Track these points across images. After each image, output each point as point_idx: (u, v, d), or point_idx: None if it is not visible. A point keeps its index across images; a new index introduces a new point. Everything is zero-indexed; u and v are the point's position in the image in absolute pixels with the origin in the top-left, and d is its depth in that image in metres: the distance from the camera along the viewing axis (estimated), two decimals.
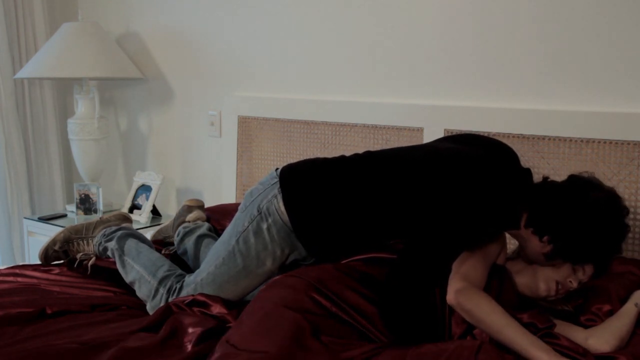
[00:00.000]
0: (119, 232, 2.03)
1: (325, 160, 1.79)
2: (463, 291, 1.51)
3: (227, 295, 1.76)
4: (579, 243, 1.60)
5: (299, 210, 1.70)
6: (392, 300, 1.57)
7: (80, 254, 2.07)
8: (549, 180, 1.75)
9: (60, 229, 2.13)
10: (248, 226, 1.74)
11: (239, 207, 1.83)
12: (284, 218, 1.70)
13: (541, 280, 1.67)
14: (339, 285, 1.59)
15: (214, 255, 1.80)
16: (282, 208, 1.70)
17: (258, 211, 1.73)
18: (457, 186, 1.62)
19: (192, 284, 1.80)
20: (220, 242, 1.82)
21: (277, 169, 1.80)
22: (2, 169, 3.19)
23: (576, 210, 1.60)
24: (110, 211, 3.19)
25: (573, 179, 1.70)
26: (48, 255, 2.09)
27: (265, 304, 1.52)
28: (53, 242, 2.09)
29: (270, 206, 1.71)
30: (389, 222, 1.69)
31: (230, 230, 1.80)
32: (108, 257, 2.03)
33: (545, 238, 1.63)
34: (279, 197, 1.70)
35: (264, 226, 1.72)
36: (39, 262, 2.16)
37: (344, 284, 1.60)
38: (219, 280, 1.76)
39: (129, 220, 2.22)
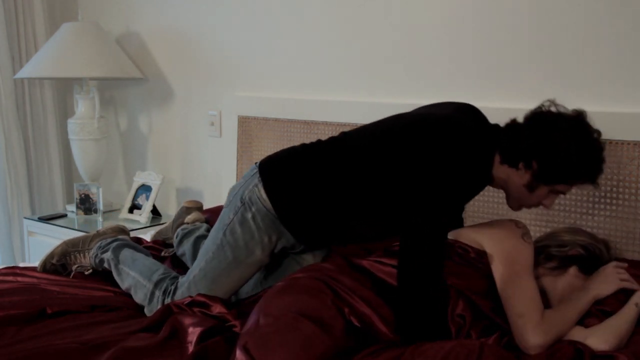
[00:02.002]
0: (115, 243, 2.05)
1: (302, 146, 1.82)
2: (537, 333, 1.48)
3: (222, 288, 1.77)
4: (553, 159, 1.58)
5: (279, 196, 1.72)
6: (408, 304, 1.55)
7: (76, 265, 2.08)
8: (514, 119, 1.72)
9: (58, 242, 2.15)
10: (233, 217, 1.76)
11: (225, 203, 1.85)
12: (267, 205, 1.72)
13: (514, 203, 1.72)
14: (355, 287, 1.57)
15: (204, 252, 1.82)
16: (264, 195, 1.72)
17: (241, 202, 1.76)
18: (430, 149, 1.61)
19: (186, 283, 1.81)
20: (209, 238, 1.84)
21: (256, 162, 1.83)
22: (2, 169, 3.19)
23: (544, 128, 1.60)
24: (111, 211, 3.21)
25: (536, 109, 1.69)
26: (46, 268, 2.10)
27: (285, 311, 1.47)
28: (51, 255, 2.10)
29: (252, 195, 1.74)
30: (369, 201, 1.68)
31: (217, 226, 1.82)
32: (105, 268, 2.04)
33: (520, 165, 1.62)
34: (260, 186, 1.73)
35: (249, 215, 1.74)
36: (38, 263, 2.16)
37: (360, 284, 1.58)
38: (210, 274, 1.78)
39: (126, 233, 2.23)
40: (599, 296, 1.61)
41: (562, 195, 1.73)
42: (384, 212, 1.69)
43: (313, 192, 1.72)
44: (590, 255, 1.69)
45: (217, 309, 1.67)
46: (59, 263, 2.10)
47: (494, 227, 1.72)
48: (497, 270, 1.61)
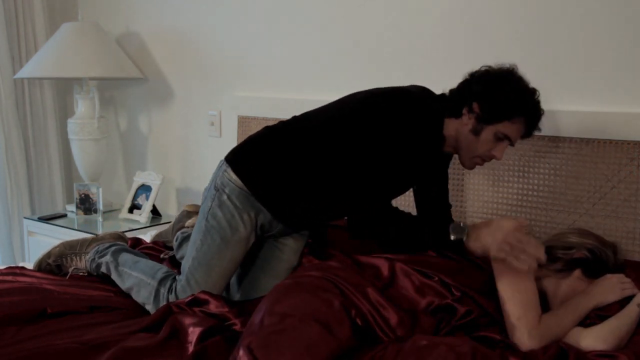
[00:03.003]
0: (113, 248, 2.06)
1: (264, 128, 1.95)
2: (532, 336, 1.48)
3: (218, 272, 1.82)
4: (491, 96, 1.72)
5: (247, 172, 1.84)
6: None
7: (72, 268, 2.08)
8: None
9: (56, 243, 2.15)
10: (211, 204, 1.86)
11: (201, 201, 1.96)
12: (238, 184, 1.83)
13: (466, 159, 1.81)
14: (360, 286, 1.56)
15: (192, 243, 1.88)
16: (234, 176, 1.84)
17: (215, 189, 1.87)
18: (380, 116, 1.75)
19: (183, 276, 1.85)
20: (194, 230, 1.91)
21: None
22: (2, 169, 3.19)
23: (480, 77, 1.76)
24: (111, 211, 3.21)
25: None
26: (42, 267, 2.11)
27: (291, 312, 1.45)
28: (48, 255, 2.11)
29: (223, 179, 1.86)
30: (330, 173, 1.78)
31: (200, 217, 1.91)
32: (101, 273, 2.04)
33: (464, 110, 1.75)
34: (229, 170, 1.85)
35: (224, 197, 1.84)
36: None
37: (365, 283, 1.58)
38: (204, 260, 1.83)
39: (124, 240, 2.24)
40: (599, 305, 1.60)
41: (510, 147, 1.81)
42: (344, 184, 1.78)
43: (278, 166, 1.83)
44: (596, 259, 1.67)
45: (218, 306, 1.67)
46: (54, 263, 2.10)
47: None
48: (498, 269, 1.60)
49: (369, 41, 2.50)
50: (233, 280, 1.96)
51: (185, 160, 3.17)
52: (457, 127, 1.78)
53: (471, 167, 1.85)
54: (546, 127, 2.07)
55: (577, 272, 1.66)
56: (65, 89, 3.52)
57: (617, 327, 1.51)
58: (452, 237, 1.65)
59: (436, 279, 1.61)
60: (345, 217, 1.89)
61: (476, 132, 1.75)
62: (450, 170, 2.13)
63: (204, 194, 1.94)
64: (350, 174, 1.75)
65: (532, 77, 2.15)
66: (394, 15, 2.42)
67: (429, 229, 1.72)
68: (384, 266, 1.64)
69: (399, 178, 1.81)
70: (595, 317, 1.58)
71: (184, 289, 1.82)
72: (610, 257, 1.68)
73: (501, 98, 1.71)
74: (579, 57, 2.07)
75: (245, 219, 1.83)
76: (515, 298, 1.54)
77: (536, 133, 1.95)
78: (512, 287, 1.56)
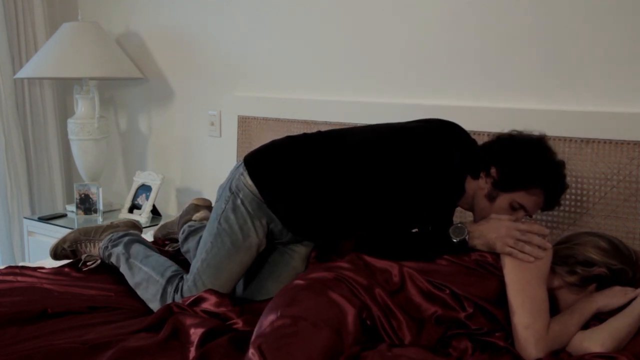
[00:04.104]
0: (126, 238, 2.06)
1: (286, 138, 1.94)
2: (539, 347, 1.48)
3: (226, 274, 1.82)
4: (509, 164, 1.68)
5: (263, 180, 1.83)
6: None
7: (85, 255, 2.09)
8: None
9: (71, 229, 2.19)
10: (225, 206, 1.85)
11: (215, 199, 1.95)
12: (253, 190, 1.82)
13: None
14: (370, 288, 1.55)
15: (203, 244, 1.88)
16: (250, 182, 1.83)
17: (230, 191, 1.86)
18: (399, 159, 1.74)
19: (191, 276, 1.84)
20: (206, 231, 1.91)
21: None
22: (2, 169, 3.19)
23: (505, 142, 1.73)
24: (111, 211, 3.21)
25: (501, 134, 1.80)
26: (57, 252, 2.15)
27: (304, 315, 1.44)
28: (63, 240, 2.14)
29: (239, 183, 1.85)
30: (345, 197, 1.78)
31: (212, 218, 1.90)
32: (111, 263, 2.05)
33: (481, 174, 1.72)
34: (245, 174, 1.84)
35: (238, 202, 1.84)
36: (38, 262, 2.16)
37: (375, 285, 1.57)
38: (213, 263, 1.82)
39: (138, 229, 2.25)
40: (603, 309, 1.59)
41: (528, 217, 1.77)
42: (356, 210, 1.78)
43: (295, 178, 1.82)
44: (615, 277, 1.63)
45: (220, 305, 1.67)
46: (69, 249, 2.14)
47: None
48: (509, 276, 1.59)
49: (369, 41, 2.50)
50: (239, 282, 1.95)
51: (185, 160, 3.16)
52: (474, 189, 1.75)
53: None
54: (547, 127, 2.08)
55: (591, 287, 1.63)
56: (65, 89, 3.52)
57: (617, 329, 1.51)
58: (454, 240, 1.66)
59: (447, 291, 1.58)
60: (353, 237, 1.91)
61: (491, 198, 1.71)
62: None
63: (219, 191, 1.93)
64: (362, 202, 1.75)
65: (533, 77, 2.16)
66: (394, 15, 2.42)
67: (430, 238, 1.73)
68: (394, 271, 1.62)
69: (411, 217, 1.76)
70: (596, 319, 1.58)
71: (190, 289, 1.81)
72: (629, 275, 1.64)
73: (520, 166, 1.67)
74: (579, 57, 2.06)
75: (257, 226, 1.83)
76: (525, 305, 1.53)
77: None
78: (523, 294, 1.55)
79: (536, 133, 1.75)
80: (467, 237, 1.66)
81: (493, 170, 1.70)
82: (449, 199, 1.77)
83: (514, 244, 1.60)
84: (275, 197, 1.82)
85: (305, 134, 1.93)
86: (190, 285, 1.82)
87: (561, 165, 1.72)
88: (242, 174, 1.85)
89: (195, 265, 1.85)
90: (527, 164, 1.67)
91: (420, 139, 1.78)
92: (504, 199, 1.70)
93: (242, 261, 1.83)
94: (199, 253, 1.87)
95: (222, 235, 1.83)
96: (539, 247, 1.59)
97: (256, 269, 1.93)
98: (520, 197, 1.68)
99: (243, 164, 1.87)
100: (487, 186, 1.72)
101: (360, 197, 1.76)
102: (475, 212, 1.78)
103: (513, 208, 1.70)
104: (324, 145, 1.86)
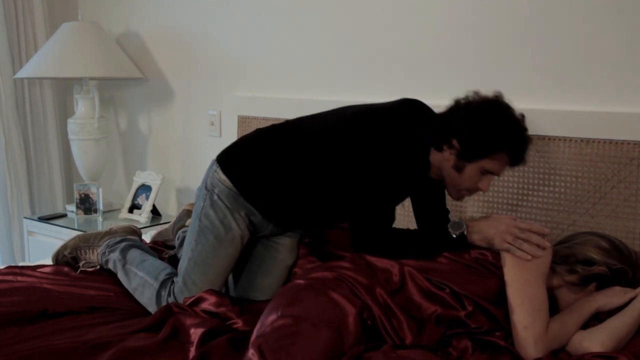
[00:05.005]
0: (123, 244, 2.07)
1: (255, 131, 1.97)
2: (538, 347, 1.48)
3: (214, 270, 1.83)
4: (469, 133, 1.66)
5: (235, 173, 1.85)
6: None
7: (84, 262, 2.10)
8: None
9: (58, 242, 2.19)
10: (203, 204, 1.88)
11: (194, 200, 1.98)
12: (227, 184, 1.85)
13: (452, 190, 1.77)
14: (371, 288, 1.55)
15: (187, 244, 1.89)
16: (223, 176, 1.86)
17: (206, 189, 1.89)
18: (368, 136, 1.74)
19: (180, 277, 1.85)
20: (189, 232, 1.93)
21: None
22: (2, 169, 3.19)
23: (460, 109, 1.71)
24: (111, 210, 3.21)
25: (456, 98, 1.78)
26: (58, 259, 2.15)
27: (304, 315, 1.44)
28: (64, 247, 2.15)
29: (213, 180, 1.88)
30: (316, 181, 1.80)
31: (193, 218, 1.92)
32: (109, 269, 2.06)
33: (444, 147, 1.70)
34: (218, 170, 1.87)
35: (215, 197, 1.86)
36: (38, 262, 2.16)
37: (376, 285, 1.57)
38: (200, 260, 1.83)
39: (137, 234, 2.25)
40: (601, 309, 1.59)
41: (496, 177, 1.78)
42: (329, 195, 1.81)
43: (266, 169, 1.84)
44: (615, 277, 1.63)
45: (220, 305, 1.67)
46: (70, 255, 2.14)
47: None
48: (509, 275, 1.59)
49: (370, 41, 2.49)
50: (230, 280, 1.97)
51: (185, 160, 3.16)
52: (440, 160, 1.74)
53: (458, 199, 1.82)
54: (546, 127, 2.08)
55: (591, 287, 1.63)
56: (65, 89, 3.52)
57: (617, 328, 1.51)
58: (453, 235, 1.68)
59: (447, 290, 1.58)
60: (337, 223, 1.94)
61: (458, 169, 1.71)
62: None
63: (197, 193, 1.95)
64: (334, 186, 1.78)
65: (532, 77, 2.16)
66: (394, 15, 2.42)
67: (430, 234, 1.75)
68: (395, 271, 1.62)
69: (382, 195, 1.77)
70: (595, 319, 1.58)
71: (181, 290, 1.82)
72: (629, 275, 1.63)
73: (480, 135, 1.65)
74: (579, 57, 2.06)
75: (237, 218, 1.84)
76: (524, 305, 1.53)
77: (538, 134, 1.95)
78: (523, 293, 1.55)
79: (490, 95, 1.72)
80: (465, 232, 1.67)
81: (454, 142, 1.68)
82: (415, 174, 1.76)
83: (512, 241, 1.61)
84: (249, 188, 1.84)
85: (273, 125, 1.95)
86: (181, 286, 1.82)
87: (519, 122, 1.71)
88: (215, 171, 1.88)
89: (182, 265, 1.87)
90: (486, 131, 1.65)
91: (381, 118, 1.79)
92: (471, 168, 1.70)
93: (227, 254, 1.85)
94: (185, 253, 1.88)
95: (205, 231, 1.84)
96: (538, 245, 1.60)
97: (244, 266, 1.95)
98: (486, 163, 1.69)
99: (215, 162, 1.90)
100: (452, 158, 1.70)
101: (328, 181, 1.78)
102: (446, 183, 1.78)
103: (482, 173, 1.71)
104: (290, 133, 1.88)
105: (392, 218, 1.77)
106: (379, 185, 1.71)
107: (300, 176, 1.81)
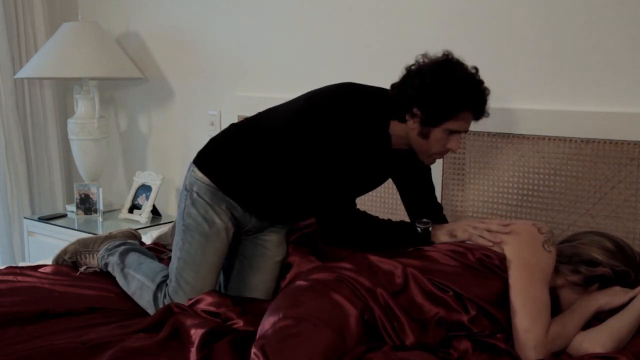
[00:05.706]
0: (121, 248, 2.07)
1: (229, 125, 1.99)
2: (539, 351, 1.48)
3: (205, 266, 1.84)
4: (428, 99, 1.67)
5: (210, 168, 1.87)
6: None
7: (84, 267, 2.11)
8: None
9: (58, 242, 2.18)
10: (185, 204, 1.90)
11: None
12: (205, 181, 1.87)
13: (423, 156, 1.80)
14: (372, 288, 1.55)
15: (175, 245, 1.91)
16: (199, 174, 1.88)
17: (185, 189, 1.91)
18: (325, 117, 1.78)
19: (172, 277, 1.86)
20: (175, 234, 1.93)
21: None
22: (2, 169, 3.19)
23: (414, 76, 1.72)
24: (111, 211, 3.21)
25: (407, 66, 1.80)
26: (59, 264, 2.14)
27: (306, 316, 1.44)
28: (64, 252, 2.15)
29: (191, 179, 1.90)
30: (285, 169, 1.82)
31: (177, 220, 1.94)
32: (110, 272, 2.05)
33: (407, 117, 1.72)
34: (195, 169, 1.89)
35: (195, 195, 1.88)
36: (39, 262, 2.16)
37: (377, 285, 1.56)
38: (189, 258, 1.84)
39: (136, 238, 2.25)
40: (602, 308, 1.59)
41: (463, 135, 1.79)
42: (300, 181, 1.83)
43: (240, 161, 1.87)
44: (617, 279, 1.62)
45: (220, 305, 1.67)
46: (70, 260, 2.14)
47: (515, 231, 1.68)
48: (513, 276, 1.58)
49: (370, 41, 2.50)
50: (221, 281, 1.97)
51: (185, 160, 3.15)
52: (405, 131, 1.76)
53: (431, 164, 1.86)
54: (546, 127, 2.09)
55: (593, 287, 1.63)
56: (65, 89, 3.52)
57: (617, 329, 1.51)
58: (418, 229, 1.79)
59: (450, 293, 1.56)
60: (317, 213, 1.96)
61: (424, 135, 1.73)
62: (449, 170, 2.13)
63: (179, 196, 1.97)
64: (304, 171, 1.81)
65: (532, 76, 2.16)
66: (394, 16, 2.42)
67: (395, 225, 1.84)
68: (398, 272, 1.60)
69: (351, 176, 1.82)
70: (596, 319, 1.58)
71: (175, 290, 1.82)
72: (632, 277, 1.63)
73: (439, 100, 1.66)
74: (580, 57, 2.06)
75: (219, 212, 1.86)
76: (526, 307, 1.53)
77: (538, 134, 1.96)
78: (525, 295, 1.55)
79: (439, 55, 1.74)
80: (430, 228, 1.79)
81: (416, 110, 1.70)
82: (376, 148, 1.79)
83: (472, 230, 1.70)
84: (225, 181, 1.86)
85: (246, 118, 1.98)
86: (175, 286, 1.83)
87: (474, 76, 1.72)
88: (192, 171, 1.89)
89: (173, 265, 1.88)
90: (443, 94, 1.66)
91: (334, 99, 1.83)
92: (436, 133, 1.72)
93: (215, 249, 1.85)
94: (174, 254, 1.89)
95: (190, 230, 1.86)
96: (498, 233, 1.67)
97: (235, 267, 1.97)
98: (450, 125, 1.70)
99: (192, 163, 1.93)
100: (416, 126, 1.72)
101: (296, 167, 1.81)
102: (416, 151, 1.80)
103: (448, 134, 1.73)
104: (258, 125, 1.91)
105: (354, 197, 1.87)
106: (340, 162, 1.76)
107: (271, 165, 1.84)
